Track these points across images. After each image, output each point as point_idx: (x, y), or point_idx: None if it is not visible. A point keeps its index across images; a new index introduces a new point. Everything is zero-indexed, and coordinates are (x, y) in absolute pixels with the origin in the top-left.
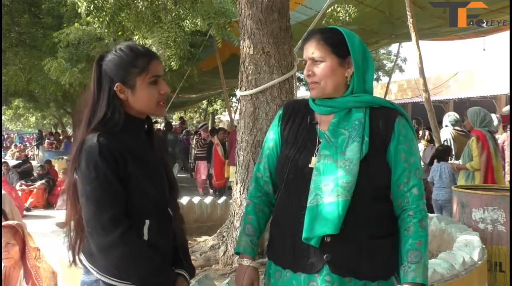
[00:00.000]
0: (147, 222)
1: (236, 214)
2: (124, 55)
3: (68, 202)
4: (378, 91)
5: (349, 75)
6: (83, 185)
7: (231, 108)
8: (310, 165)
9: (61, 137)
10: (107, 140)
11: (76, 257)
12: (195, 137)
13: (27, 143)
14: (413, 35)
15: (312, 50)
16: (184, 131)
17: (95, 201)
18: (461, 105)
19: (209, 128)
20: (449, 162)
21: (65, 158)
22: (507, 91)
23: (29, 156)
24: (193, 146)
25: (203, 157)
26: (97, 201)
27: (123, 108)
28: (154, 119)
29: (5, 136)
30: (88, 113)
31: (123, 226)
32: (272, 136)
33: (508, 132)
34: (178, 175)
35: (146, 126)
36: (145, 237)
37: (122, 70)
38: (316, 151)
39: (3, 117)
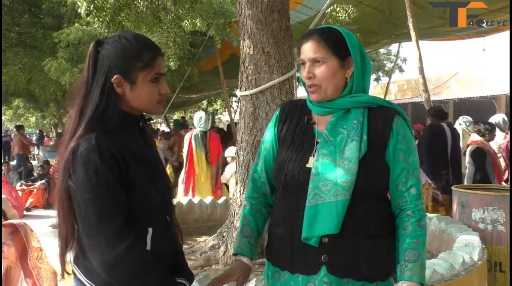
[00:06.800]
0: (150, 230)
1: (236, 214)
2: (129, 45)
3: (59, 212)
4: (378, 91)
5: (348, 76)
6: (82, 194)
7: (231, 108)
8: (307, 165)
9: None
10: (106, 140)
11: (67, 269)
12: None
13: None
14: (413, 35)
15: (312, 51)
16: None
17: (97, 211)
18: (461, 105)
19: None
20: None
21: None
22: (507, 91)
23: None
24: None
25: None
26: (99, 211)
27: (119, 103)
28: (155, 119)
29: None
30: (79, 103)
31: (129, 238)
32: (269, 137)
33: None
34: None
35: (140, 124)
36: (148, 247)
37: (125, 61)
38: (314, 150)
39: (3, 117)
